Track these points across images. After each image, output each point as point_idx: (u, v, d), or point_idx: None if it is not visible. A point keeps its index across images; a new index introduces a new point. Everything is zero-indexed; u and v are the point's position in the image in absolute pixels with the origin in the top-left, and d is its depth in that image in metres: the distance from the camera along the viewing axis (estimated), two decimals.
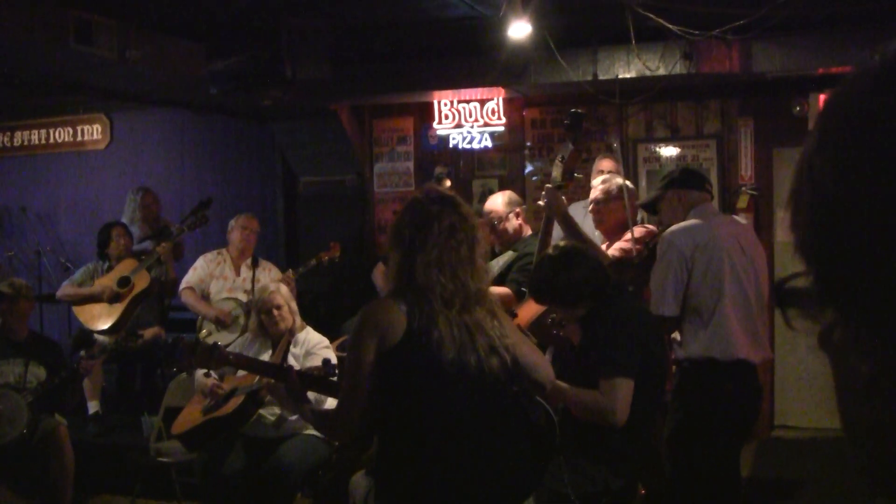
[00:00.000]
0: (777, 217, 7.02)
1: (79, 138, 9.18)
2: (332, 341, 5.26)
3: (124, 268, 6.71)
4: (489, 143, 7.76)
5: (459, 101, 7.65)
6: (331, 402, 3.77)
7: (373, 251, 7.98)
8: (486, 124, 7.67)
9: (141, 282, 6.65)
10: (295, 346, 4.89)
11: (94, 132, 9.11)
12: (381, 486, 2.80)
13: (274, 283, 5.45)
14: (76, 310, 6.76)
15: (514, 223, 5.08)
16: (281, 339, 4.93)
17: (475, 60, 6.66)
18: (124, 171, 8.94)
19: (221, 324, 6.35)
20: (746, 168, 7.08)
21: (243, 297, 6.44)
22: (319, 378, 3.53)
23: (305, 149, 8.15)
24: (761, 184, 7.02)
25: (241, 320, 6.34)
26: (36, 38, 5.26)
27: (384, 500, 2.77)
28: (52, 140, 9.25)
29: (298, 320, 5.02)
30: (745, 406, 3.98)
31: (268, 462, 4.72)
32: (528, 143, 7.77)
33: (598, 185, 4.76)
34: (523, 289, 4.50)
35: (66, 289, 6.80)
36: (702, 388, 3.93)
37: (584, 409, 3.48)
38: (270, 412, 4.87)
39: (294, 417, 4.83)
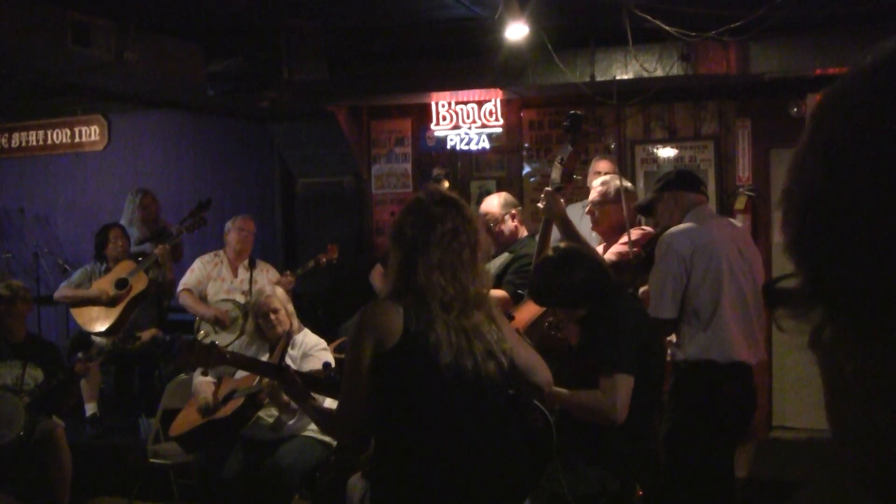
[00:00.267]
0: (775, 218, 7.02)
1: (76, 140, 9.17)
2: (330, 343, 5.26)
3: (122, 269, 6.71)
4: (487, 145, 7.76)
5: (457, 103, 7.65)
6: (329, 403, 3.77)
7: (371, 252, 7.97)
8: (483, 125, 7.67)
9: (139, 284, 6.65)
10: (292, 349, 4.89)
11: (91, 133, 9.11)
12: (376, 488, 2.80)
13: (270, 286, 5.44)
14: (74, 311, 6.76)
15: (509, 225, 5.07)
16: (278, 342, 4.93)
17: (473, 62, 6.66)
18: (122, 172, 8.94)
19: (220, 324, 6.35)
20: (744, 169, 7.08)
21: (241, 299, 6.44)
22: (318, 379, 3.53)
23: (303, 150, 8.15)
24: (759, 185, 7.02)
25: (239, 321, 6.34)
26: (33, 40, 5.26)
27: (380, 502, 2.77)
28: (49, 141, 9.24)
29: (296, 322, 5.02)
30: (741, 407, 3.99)
31: (266, 464, 4.72)
32: (526, 145, 7.77)
33: (596, 187, 4.77)
34: (520, 291, 4.50)
35: (63, 290, 6.80)
36: (699, 389, 3.94)
37: (583, 409, 3.48)
38: (269, 414, 4.86)
39: (292, 421, 4.83)
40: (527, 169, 7.78)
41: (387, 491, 2.73)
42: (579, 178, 4.51)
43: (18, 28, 5.17)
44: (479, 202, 6.10)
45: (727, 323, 3.89)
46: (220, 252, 6.67)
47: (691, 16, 5.48)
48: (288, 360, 4.79)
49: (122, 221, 7.37)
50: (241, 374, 4.78)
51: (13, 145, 9.39)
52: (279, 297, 4.98)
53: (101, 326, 6.57)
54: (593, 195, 4.74)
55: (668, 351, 4.08)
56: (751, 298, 3.97)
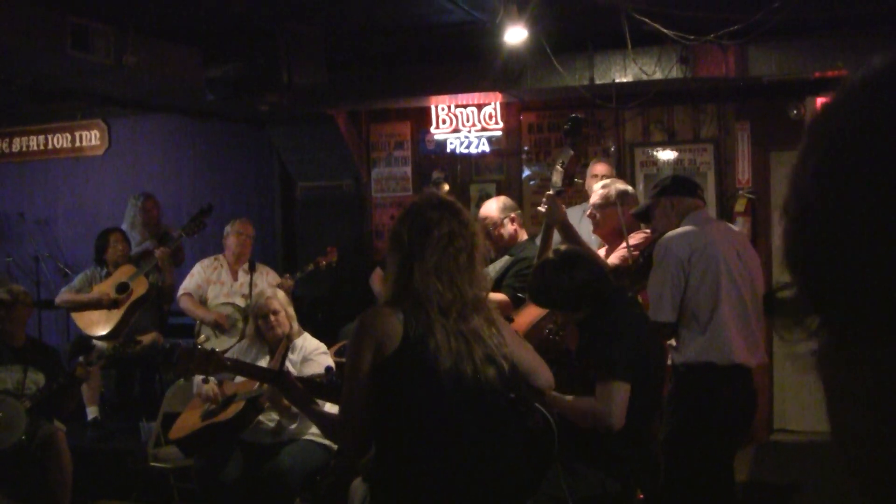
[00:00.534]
0: (775, 220, 7.03)
1: (77, 144, 9.18)
2: (330, 346, 5.26)
3: (122, 274, 6.72)
4: (486, 148, 7.77)
5: (457, 106, 7.66)
6: (329, 407, 3.77)
7: (370, 256, 7.98)
8: (483, 129, 7.68)
9: (139, 288, 6.65)
10: (292, 352, 4.89)
11: (91, 138, 9.11)
12: (377, 493, 2.80)
13: (271, 288, 5.45)
14: (74, 316, 6.77)
15: (509, 228, 5.07)
16: (278, 345, 4.93)
17: (472, 65, 6.67)
18: (122, 176, 8.94)
19: (220, 328, 6.35)
20: (744, 172, 7.08)
21: (241, 302, 6.44)
22: (318, 384, 3.53)
23: (303, 153, 8.15)
24: (759, 187, 7.02)
25: (239, 325, 6.35)
26: (33, 44, 5.26)
27: None
28: (49, 146, 9.26)
29: (296, 326, 5.02)
30: (740, 410, 3.99)
31: (266, 467, 4.72)
32: (526, 148, 7.77)
33: (597, 190, 4.77)
34: (520, 294, 4.50)
35: (64, 295, 6.80)
36: (698, 392, 3.94)
37: (580, 415, 3.48)
38: (269, 418, 4.86)
39: (293, 425, 4.84)
40: (526, 172, 7.79)
41: (387, 496, 2.73)
42: (580, 181, 4.52)
43: (18, 32, 5.18)
44: (478, 205, 6.11)
45: (726, 325, 3.89)
46: (220, 256, 6.68)
47: (690, 19, 5.49)
48: (288, 365, 4.79)
49: (124, 225, 7.38)
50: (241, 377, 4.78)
51: (14, 150, 9.40)
52: (279, 299, 4.99)
53: (102, 330, 6.57)
54: (594, 198, 4.74)
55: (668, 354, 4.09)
56: (749, 301, 3.98)
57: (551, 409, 3.22)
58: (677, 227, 4.05)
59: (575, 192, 5.72)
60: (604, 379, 3.41)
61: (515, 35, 5.56)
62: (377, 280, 6.27)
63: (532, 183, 7.72)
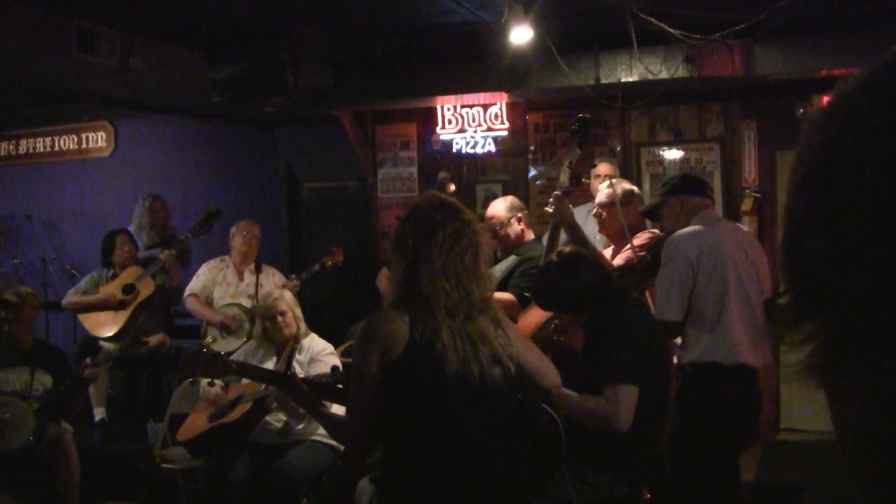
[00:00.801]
0: (780, 220, 7.01)
1: (83, 146, 9.21)
2: (336, 347, 5.26)
3: (129, 275, 6.73)
4: (492, 148, 7.77)
5: (462, 106, 7.66)
6: (336, 408, 3.77)
7: (376, 256, 7.99)
8: (489, 129, 7.68)
9: (146, 289, 6.66)
10: (299, 353, 4.89)
11: (98, 140, 9.14)
12: (383, 494, 2.80)
13: (278, 289, 5.45)
14: (81, 317, 6.78)
15: (515, 228, 5.07)
16: (285, 346, 4.93)
17: (478, 65, 6.67)
18: (128, 178, 8.96)
19: (227, 329, 6.36)
20: (750, 171, 7.06)
21: (247, 303, 6.45)
22: (325, 385, 3.52)
23: (309, 154, 8.16)
24: (765, 186, 7.00)
25: (246, 325, 6.35)
26: (38, 48, 5.28)
27: None
28: (56, 148, 9.28)
29: (303, 326, 5.02)
30: (745, 410, 3.98)
31: (273, 468, 4.72)
32: (532, 148, 7.77)
33: (603, 190, 4.76)
34: (526, 294, 4.49)
35: (71, 298, 6.81)
36: (703, 391, 3.94)
37: (587, 415, 3.48)
38: (276, 419, 4.87)
39: (301, 426, 4.84)
40: (532, 172, 7.79)
41: (394, 497, 2.74)
42: (588, 181, 4.51)
43: (24, 35, 5.19)
44: (484, 205, 6.11)
45: (732, 325, 3.89)
46: (226, 257, 6.69)
47: (695, 18, 5.49)
48: (295, 365, 4.79)
49: (132, 226, 7.40)
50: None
51: (20, 152, 9.43)
52: (287, 300, 4.99)
53: (109, 332, 6.59)
54: (600, 198, 4.74)
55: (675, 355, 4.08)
56: (756, 302, 3.97)
57: (558, 410, 3.21)
58: (686, 226, 4.05)
59: (582, 192, 5.72)
60: (611, 382, 3.40)
61: (521, 35, 5.56)
62: (383, 280, 6.27)
63: (538, 183, 7.72)
